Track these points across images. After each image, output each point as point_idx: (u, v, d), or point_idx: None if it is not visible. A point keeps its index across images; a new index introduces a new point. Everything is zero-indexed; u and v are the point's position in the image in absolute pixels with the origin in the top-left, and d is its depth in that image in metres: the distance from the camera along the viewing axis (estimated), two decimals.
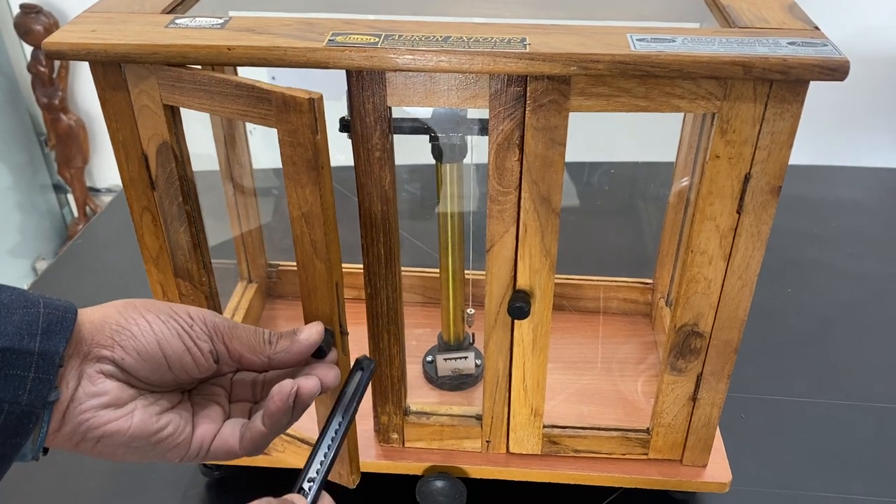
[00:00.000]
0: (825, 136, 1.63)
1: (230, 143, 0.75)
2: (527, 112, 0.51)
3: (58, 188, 2.23)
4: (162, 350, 0.44)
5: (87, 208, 2.20)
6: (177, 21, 0.52)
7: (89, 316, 0.43)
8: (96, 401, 0.42)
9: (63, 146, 2.09)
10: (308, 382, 0.46)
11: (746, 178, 0.52)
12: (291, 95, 0.45)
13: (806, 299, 0.98)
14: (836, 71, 0.46)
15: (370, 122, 0.52)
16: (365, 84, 0.51)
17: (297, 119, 0.46)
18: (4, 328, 0.39)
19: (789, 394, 0.83)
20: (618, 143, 1.35)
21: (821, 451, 0.77)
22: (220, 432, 0.47)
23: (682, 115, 0.74)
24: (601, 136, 1.22)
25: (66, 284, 1.01)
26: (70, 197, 2.23)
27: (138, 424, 0.43)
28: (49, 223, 2.23)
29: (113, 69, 0.51)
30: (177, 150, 0.54)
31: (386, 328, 0.62)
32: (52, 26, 1.92)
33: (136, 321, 0.44)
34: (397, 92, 0.51)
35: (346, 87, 0.52)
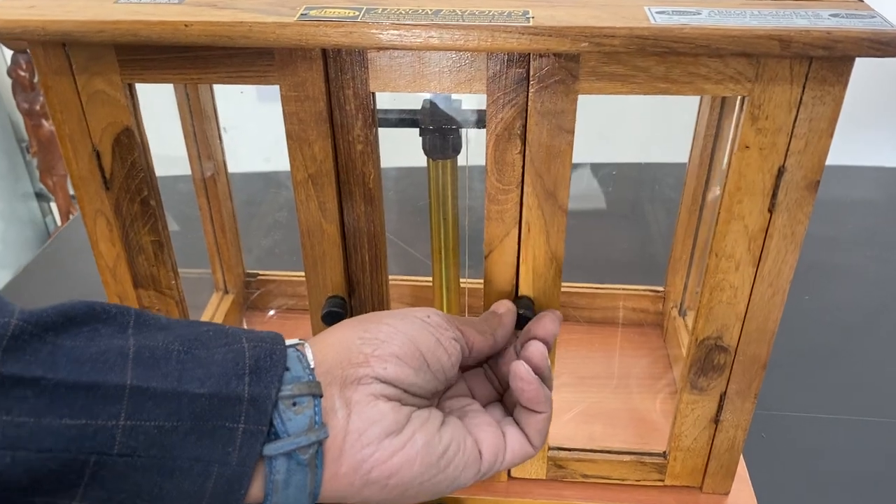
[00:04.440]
0: (836, 134, 1.57)
1: (201, 141, 0.68)
2: (530, 95, 0.44)
3: (40, 196, 2.16)
4: (417, 346, 0.40)
5: (71, 216, 2.13)
6: None
7: (323, 343, 0.38)
8: (377, 429, 0.36)
9: (45, 153, 2.03)
10: (532, 348, 0.43)
11: (780, 172, 0.46)
12: (299, 44, 0.41)
13: (826, 307, 0.91)
14: (888, 45, 0.40)
15: (350, 110, 0.46)
16: (344, 66, 0.44)
17: (304, 70, 0.43)
18: (208, 369, 0.33)
19: (813, 410, 0.77)
20: (621, 142, 1.29)
21: (849, 474, 0.70)
22: (509, 438, 0.43)
23: (695, 108, 0.67)
24: (603, 134, 1.16)
25: (38, 291, 0.94)
26: (53, 205, 2.16)
27: (424, 448, 0.37)
28: (31, 232, 2.16)
29: (55, 51, 0.45)
30: (139, 137, 0.48)
31: None
32: None
33: (377, 328, 0.39)
34: (381, 75, 0.45)
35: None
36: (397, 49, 0.43)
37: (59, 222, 2.17)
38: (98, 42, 0.43)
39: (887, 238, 1.05)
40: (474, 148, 0.58)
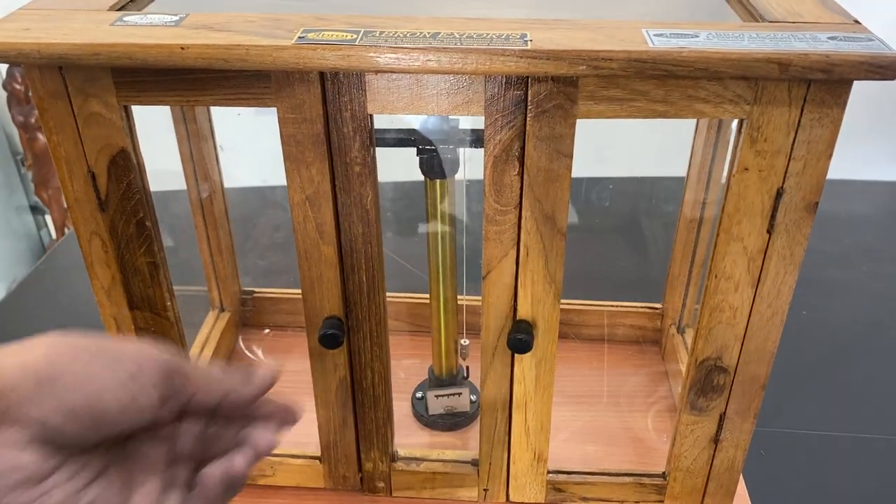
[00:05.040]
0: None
1: (198, 161, 0.68)
2: (528, 119, 0.44)
3: (35, 209, 2.15)
4: (102, 404, 0.35)
5: (66, 230, 2.12)
6: (125, 18, 0.45)
7: (2, 364, 0.34)
8: (5, 480, 0.33)
9: (40, 166, 2.02)
10: (239, 460, 0.39)
11: (779, 194, 0.46)
12: (296, 67, 0.41)
13: (823, 322, 0.91)
14: (886, 69, 0.40)
15: (348, 132, 0.46)
16: (342, 89, 0.44)
17: (302, 92, 0.43)
18: None
19: (812, 427, 0.76)
20: (617, 156, 1.29)
21: (848, 491, 0.70)
22: None
23: (692, 123, 0.67)
24: (599, 148, 1.16)
25: (32, 308, 0.94)
26: (48, 218, 2.15)
27: None
28: (26, 245, 2.15)
29: (51, 73, 0.44)
30: (136, 158, 0.48)
31: (369, 365, 0.55)
32: None
33: (69, 370, 0.35)
34: (379, 98, 0.44)
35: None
36: (395, 72, 0.43)
37: (53, 235, 2.16)
38: (94, 65, 0.43)
39: (883, 253, 1.05)
40: (472, 166, 0.57)
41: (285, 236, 1.03)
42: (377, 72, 0.43)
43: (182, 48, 0.41)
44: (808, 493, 0.70)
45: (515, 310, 0.51)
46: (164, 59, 0.42)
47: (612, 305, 0.78)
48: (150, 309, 0.53)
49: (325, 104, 0.45)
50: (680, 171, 0.70)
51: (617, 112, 0.44)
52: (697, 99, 0.43)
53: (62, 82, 0.45)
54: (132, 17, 0.45)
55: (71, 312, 0.92)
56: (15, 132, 1.98)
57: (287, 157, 0.47)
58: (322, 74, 0.43)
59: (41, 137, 1.98)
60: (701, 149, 0.65)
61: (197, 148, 0.67)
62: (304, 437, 0.60)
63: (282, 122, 0.45)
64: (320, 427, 0.58)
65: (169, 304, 0.53)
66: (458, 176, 0.58)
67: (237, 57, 0.41)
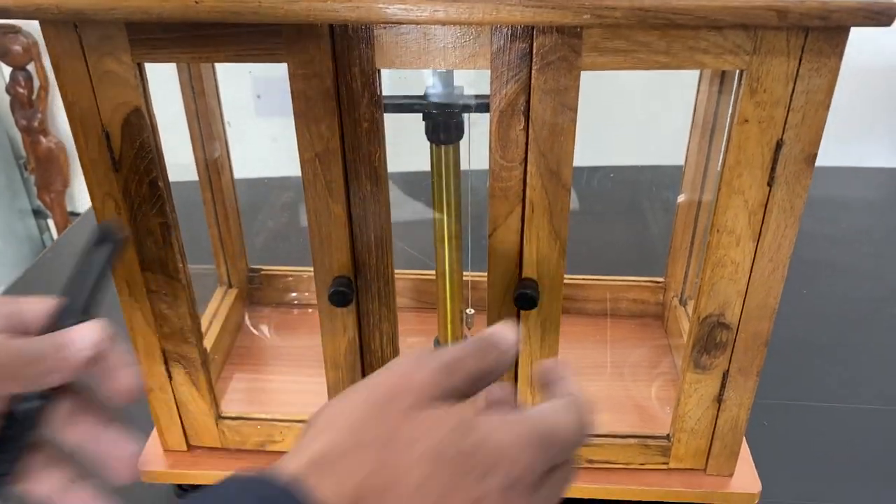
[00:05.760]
0: (830, 137, 1.59)
1: (206, 136, 0.69)
2: (533, 72, 0.45)
3: (37, 213, 2.16)
4: None
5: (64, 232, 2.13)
6: None
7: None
8: None
9: (43, 169, 2.03)
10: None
11: (778, 146, 0.47)
12: (307, 20, 0.42)
13: (823, 300, 0.92)
14: (881, 14, 0.41)
15: (357, 87, 0.47)
16: (351, 43, 0.45)
17: (312, 47, 0.44)
18: None
19: (813, 398, 0.77)
20: (617, 145, 1.31)
21: (850, 459, 0.71)
22: None
23: (690, 111, 0.68)
24: (600, 138, 1.17)
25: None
26: (50, 222, 2.16)
27: None
28: (29, 248, 2.16)
29: (67, 31, 0.45)
30: (149, 118, 0.49)
31: (378, 327, 0.56)
32: (31, 46, 1.87)
33: None
34: (387, 52, 0.45)
35: None
36: (403, 24, 0.44)
37: (55, 238, 2.17)
38: (110, 20, 0.44)
39: (882, 235, 1.06)
40: (476, 141, 0.58)
41: (287, 224, 1.05)
42: (386, 24, 0.44)
43: (196, 2, 0.42)
44: (809, 459, 0.70)
45: (521, 267, 0.52)
46: (179, 13, 0.43)
47: (615, 280, 0.79)
48: (162, 271, 0.54)
49: (334, 59, 0.46)
50: (679, 159, 0.71)
51: (620, 63, 0.45)
52: (698, 50, 0.44)
53: (78, 41, 0.46)
54: None
55: None
56: (18, 136, 2.00)
57: (297, 114, 0.48)
58: (332, 28, 0.45)
59: (44, 141, 1.99)
60: (701, 121, 0.66)
61: (203, 108, 0.67)
62: (312, 405, 0.61)
63: (292, 77, 0.46)
64: (329, 390, 0.59)
65: (181, 266, 0.54)
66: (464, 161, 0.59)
67: (249, 10, 0.42)
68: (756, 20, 0.42)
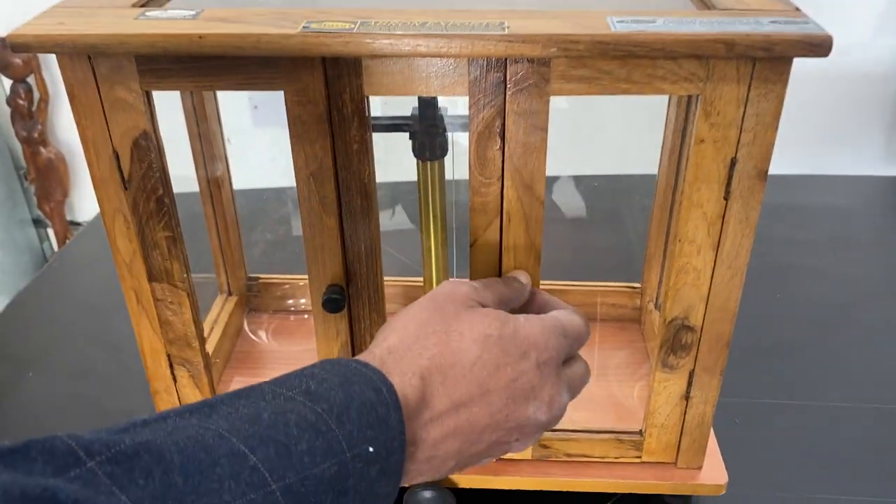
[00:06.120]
0: (808, 147, 1.64)
1: (208, 154, 0.74)
2: (507, 97, 0.49)
3: (38, 222, 2.20)
4: None
5: (68, 243, 2.17)
6: (147, 13, 0.50)
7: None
8: None
9: (43, 180, 2.07)
10: None
11: (733, 163, 0.51)
12: (302, 53, 0.47)
13: (795, 304, 0.97)
14: (819, 46, 0.46)
15: (347, 113, 0.51)
16: (341, 73, 0.50)
17: (307, 77, 0.49)
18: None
19: (783, 397, 0.82)
20: (600, 156, 1.35)
21: (817, 453, 0.75)
22: None
23: (663, 120, 0.73)
24: (584, 149, 1.22)
25: (33, 317, 0.99)
26: (50, 231, 2.20)
27: None
28: (29, 258, 2.20)
29: (81, 63, 0.50)
30: (156, 140, 0.53)
31: (368, 331, 0.60)
32: (31, 59, 1.91)
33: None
34: (374, 81, 0.50)
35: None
36: (388, 57, 0.48)
37: (55, 248, 2.21)
38: (120, 53, 0.48)
39: (854, 241, 1.10)
40: (459, 156, 0.63)
41: (283, 233, 1.09)
42: (373, 56, 0.48)
43: (200, 37, 0.47)
44: (777, 454, 0.75)
45: (501, 273, 0.57)
46: (184, 46, 0.47)
47: (594, 285, 0.83)
48: (167, 281, 0.58)
49: (326, 87, 0.50)
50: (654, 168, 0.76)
51: (586, 89, 0.49)
52: (656, 77, 0.49)
53: (91, 71, 0.50)
54: (154, 13, 0.50)
55: (69, 325, 0.96)
56: (18, 147, 2.04)
57: (293, 137, 0.52)
58: (324, 60, 0.49)
59: (44, 152, 2.03)
60: (671, 137, 0.71)
61: (207, 142, 0.72)
62: None
63: (288, 104, 0.51)
64: None
65: (185, 276, 0.58)
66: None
67: (250, 44, 0.47)
68: (707, 51, 0.46)
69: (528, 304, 0.55)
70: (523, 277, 0.55)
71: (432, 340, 0.45)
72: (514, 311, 0.51)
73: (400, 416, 0.40)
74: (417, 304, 0.49)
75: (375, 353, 0.45)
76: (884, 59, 1.67)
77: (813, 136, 1.66)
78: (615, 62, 0.48)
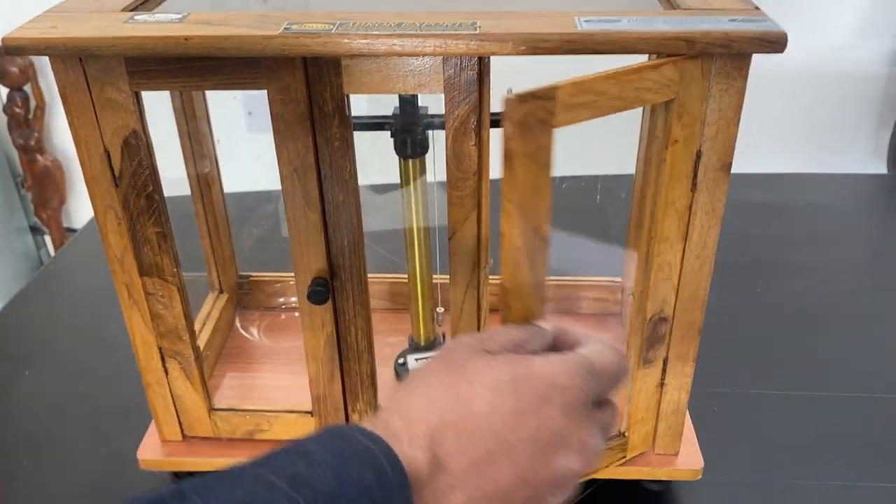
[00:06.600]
0: (796, 146, 1.67)
1: (198, 153, 0.76)
2: (482, 95, 0.52)
3: (35, 229, 2.22)
4: None
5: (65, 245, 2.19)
6: (136, 17, 0.53)
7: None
8: None
9: (40, 187, 2.09)
10: None
11: (698, 156, 0.54)
12: (283, 53, 0.49)
13: (777, 297, 0.99)
14: (775, 43, 0.48)
15: (328, 110, 0.53)
16: (322, 72, 0.52)
17: (288, 76, 0.51)
18: None
19: (762, 387, 0.84)
20: (583, 157, 1.37)
21: (793, 441, 0.77)
22: None
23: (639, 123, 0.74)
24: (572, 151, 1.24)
25: (38, 307, 1.01)
26: (47, 238, 2.22)
27: None
28: (26, 265, 2.21)
29: (73, 65, 0.52)
30: (145, 139, 0.55)
31: (353, 322, 0.62)
32: (28, 67, 1.93)
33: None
34: (354, 79, 0.52)
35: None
36: (366, 56, 0.51)
37: (52, 255, 2.23)
38: (110, 55, 0.51)
39: (836, 236, 1.13)
40: (441, 150, 0.65)
41: (271, 233, 1.11)
42: (351, 56, 0.51)
43: (186, 39, 0.49)
44: (752, 440, 0.77)
45: (479, 265, 0.59)
46: (171, 48, 0.49)
47: (576, 280, 0.85)
48: (158, 275, 0.60)
49: (308, 86, 0.52)
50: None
51: (587, 115, 0.50)
52: (643, 90, 0.49)
53: (82, 72, 0.52)
54: (142, 17, 0.53)
55: (65, 325, 0.98)
56: (15, 154, 2.06)
57: (276, 134, 0.54)
58: (305, 60, 0.51)
59: (40, 159, 2.06)
60: (646, 138, 0.73)
61: (197, 142, 0.74)
62: (295, 398, 0.68)
63: (271, 102, 0.53)
64: (311, 381, 0.65)
65: (175, 270, 0.60)
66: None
67: (233, 45, 0.49)
68: (668, 48, 0.48)
69: (560, 344, 0.48)
70: (542, 322, 0.48)
71: (440, 393, 0.41)
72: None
73: (405, 495, 0.37)
74: (425, 363, 0.45)
75: (383, 418, 0.41)
76: (869, 60, 1.70)
77: (801, 136, 1.69)
78: (609, 82, 0.47)
